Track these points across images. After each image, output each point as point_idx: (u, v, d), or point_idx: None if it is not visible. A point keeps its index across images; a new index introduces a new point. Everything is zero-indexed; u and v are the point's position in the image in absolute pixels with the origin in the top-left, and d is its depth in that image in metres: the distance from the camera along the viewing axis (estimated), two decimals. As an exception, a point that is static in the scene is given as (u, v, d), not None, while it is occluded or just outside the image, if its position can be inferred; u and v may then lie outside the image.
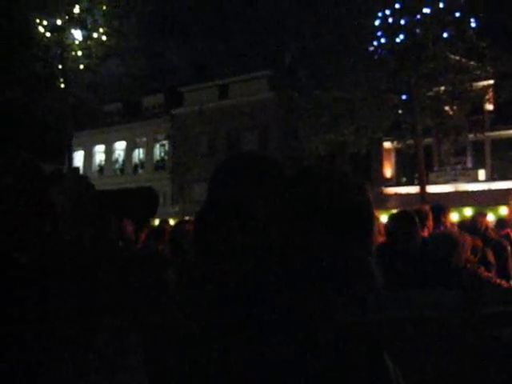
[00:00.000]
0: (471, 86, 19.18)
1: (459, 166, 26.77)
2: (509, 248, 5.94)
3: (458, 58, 18.64)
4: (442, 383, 2.33)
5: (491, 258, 4.92)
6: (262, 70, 33.29)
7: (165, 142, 37.24)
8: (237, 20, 58.05)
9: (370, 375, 1.01)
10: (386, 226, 4.50)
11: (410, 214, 4.32)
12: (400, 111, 19.49)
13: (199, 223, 1.42)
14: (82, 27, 18.82)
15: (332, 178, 1.15)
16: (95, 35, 18.83)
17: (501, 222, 8.52)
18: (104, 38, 18.87)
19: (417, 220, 4.22)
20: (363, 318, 1.12)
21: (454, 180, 26.03)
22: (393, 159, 28.62)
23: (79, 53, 18.78)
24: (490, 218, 12.31)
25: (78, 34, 18.79)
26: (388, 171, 28.71)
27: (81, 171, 38.33)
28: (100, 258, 1.67)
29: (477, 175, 26.32)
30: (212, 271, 1.29)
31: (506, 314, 2.43)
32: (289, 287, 1.09)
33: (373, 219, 1.16)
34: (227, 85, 35.63)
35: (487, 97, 20.93)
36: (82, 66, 19.07)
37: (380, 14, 18.52)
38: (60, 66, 18.72)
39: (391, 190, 26.88)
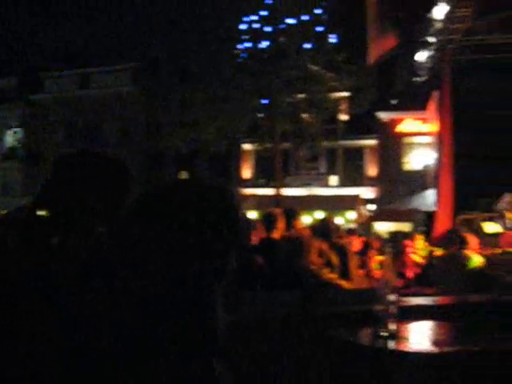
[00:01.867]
0: (327, 96, 20.22)
1: (313, 171, 27.99)
2: (351, 251, 6.40)
3: (317, 68, 19.56)
4: (282, 377, 2.48)
5: (335, 260, 5.28)
6: (126, 62, 32.54)
7: (18, 129, 35.12)
8: (104, 11, 56.28)
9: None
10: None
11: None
12: (260, 114, 20.06)
13: (28, 218, 1.40)
14: None
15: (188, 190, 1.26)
16: None
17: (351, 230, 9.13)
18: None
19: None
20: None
21: (308, 184, 27.17)
22: (252, 161, 29.27)
23: None
24: (340, 221, 13.10)
25: None
26: (246, 172, 29.32)
27: None
28: None
29: (329, 181, 27.70)
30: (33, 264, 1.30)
31: (340, 314, 2.64)
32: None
33: (224, 219, 1.24)
34: (89, 74, 34.40)
35: (341, 107, 22.24)
36: None
37: (246, 19, 18.94)
38: None
39: (249, 191, 27.49)
